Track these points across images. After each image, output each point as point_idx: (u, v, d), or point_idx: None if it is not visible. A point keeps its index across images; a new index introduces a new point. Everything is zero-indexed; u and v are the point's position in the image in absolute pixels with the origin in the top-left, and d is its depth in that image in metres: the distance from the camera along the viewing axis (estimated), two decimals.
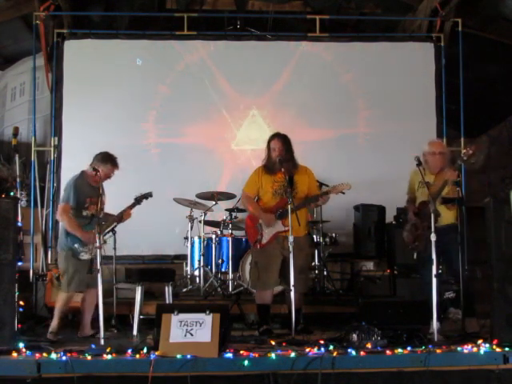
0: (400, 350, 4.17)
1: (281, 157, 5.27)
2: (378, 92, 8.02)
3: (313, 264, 6.90)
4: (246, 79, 8.03)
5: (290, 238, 4.94)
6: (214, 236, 6.92)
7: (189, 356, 3.94)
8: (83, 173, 5.38)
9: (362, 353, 4.10)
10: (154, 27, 8.51)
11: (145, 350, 4.11)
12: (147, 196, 5.63)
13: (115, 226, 5.49)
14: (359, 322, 4.57)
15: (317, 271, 6.87)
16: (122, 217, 5.44)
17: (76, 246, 5.21)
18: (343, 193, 6.68)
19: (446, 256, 5.17)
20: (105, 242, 5.28)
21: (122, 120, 7.86)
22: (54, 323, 5.24)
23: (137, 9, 8.38)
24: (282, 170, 5.21)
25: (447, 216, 5.14)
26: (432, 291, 4.63)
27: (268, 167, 5.41)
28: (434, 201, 4.81)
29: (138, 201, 5.56)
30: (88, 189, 5.29)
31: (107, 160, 5.29)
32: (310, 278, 5.58)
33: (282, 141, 5.36)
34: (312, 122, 7.98)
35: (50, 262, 7.36)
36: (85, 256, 5.22)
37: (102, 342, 4.55)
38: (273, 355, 4.02)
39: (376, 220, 7.25)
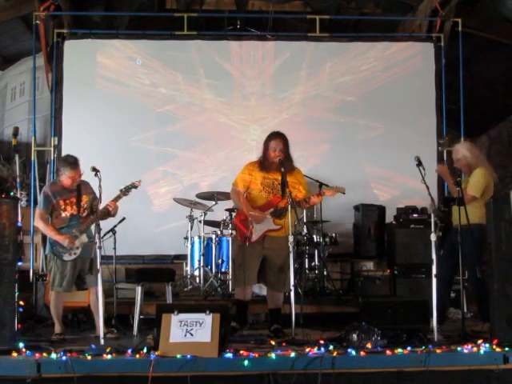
0: (400, 350, 4.19)
1: (281, 157, 5.24)
2: (377, 92, 8.02)
3: (313, 264, 6.92)
4: (246, 79, 8.02)
5: (290, 239, 4.92)
6: (214, 236, 6.92)
7: (189, 356, 3.95)
8: (57, 178, 5.42)
9: (362, 353, 4.11)
10: (154, 27, 8.51)
11: (145, 350, 4.12)
12: (135, 186, 5.36)
13: (98, 226, 5.09)
14: (359, 322, 4.57)
15: (317, 271, 6.87)
16: (106, 211, 5.24)
17: (57, 247, 5.24)
18: (343, 193, 6.72)
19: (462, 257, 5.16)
20: (90, 241, 5.25)
21: (122, 120, 7.85)
22: (56, 326, 5.26)
23: (137, 9, 8.38)
24: (282, 169, 5.16)
25: (463, 216, 5.08)
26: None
27: (263, 165, 5.34)
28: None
29: (124, 192, 5.32)
30: (62, 191, 5.30)
31: (64, 164, 5.24)
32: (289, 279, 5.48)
33: (282, 141, 5.29)
34: (311, 122, 7.98)
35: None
36: (67, 257, 5.23)
37: (102, 342, 4.55)
38: (273, 355, 4.03)
39: (376, 220, 7.24)
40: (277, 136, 5.35)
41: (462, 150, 5.59)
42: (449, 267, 5.39)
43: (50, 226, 5.28)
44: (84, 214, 5.33)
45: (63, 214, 5.29)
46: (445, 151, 7.67)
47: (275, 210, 5.23)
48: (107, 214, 5.27)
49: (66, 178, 5.24)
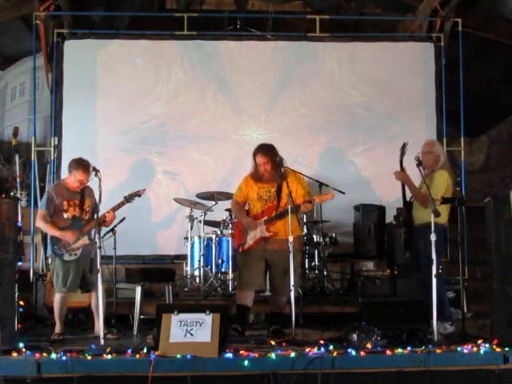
0: (400, 350, 4.19)
1: (268, 172, 5.32)
2: (378, 92, 8.01)
3: (313, 264, 6.92)
4: (246, 79, 8.02)
5: (290, 238, 4.93)
6: (213, 236, 6.92)
7: (189, 356, 3.96)
8: (62, 180, 5.53)
9: (362, 353, 4.12)
10: (154, 27, 8.50)
11: (145, 350, 4.12)
12: (139, 194, 5.54)
13: (97, 226, 5.12)
14: (359, 322, 4.58)
15: (317, 271, 6.88)
16: (104, 219, 5.27)
17: (57, 247, 5.27)
18: (343, 193, 6.73)
19: (420, 256, 5.15)
20: (91, 242, 5.30)
21: (122, 120, 7.84)
22: (57, 326, 5.28)
23: (137, 9, 8.38)
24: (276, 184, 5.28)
25: (422, 215, 5.11)
26: (430, 291, 4.64)
27: (255, 177, 5.45)
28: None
29: (128, 199, 5.47)
30: (66, 193, 5.35)
31: (78, 166, 5.28)
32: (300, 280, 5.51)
33: (264, 155, 5.33)
34: (312, 122, 7.95)
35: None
36: (68, 257, 5.27)
37: (102, 342, 4.55)
38: (273, 355, 4.04)
39: (376, 220, 7.23)
40: (257, 152, 5.42)
41: (438, 146, 5.54)
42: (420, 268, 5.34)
43: (50, 223, 5.29)
44: (86, 217, 5.38)
45: (65, 215, 5.33)
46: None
47: (269, 217, 5.28)
48: (102, 222, 5.22)
49: (74, 180, 5.30)
